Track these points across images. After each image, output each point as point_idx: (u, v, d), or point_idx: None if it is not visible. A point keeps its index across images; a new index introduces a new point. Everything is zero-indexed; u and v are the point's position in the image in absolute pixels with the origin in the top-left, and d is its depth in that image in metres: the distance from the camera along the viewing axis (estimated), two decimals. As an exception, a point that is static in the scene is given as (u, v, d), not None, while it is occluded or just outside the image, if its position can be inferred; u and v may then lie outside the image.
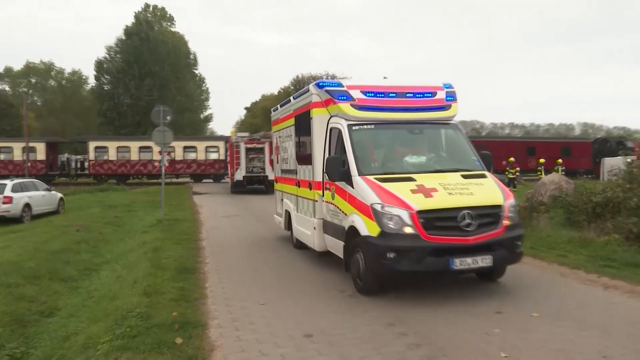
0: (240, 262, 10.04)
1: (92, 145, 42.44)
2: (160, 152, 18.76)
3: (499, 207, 7.24)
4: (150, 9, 68.25)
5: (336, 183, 8.09)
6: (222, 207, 22.24)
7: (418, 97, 8.55)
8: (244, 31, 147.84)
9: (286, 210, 11.72)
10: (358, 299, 7.21)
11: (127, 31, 64.51)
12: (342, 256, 8.10)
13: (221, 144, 43.02)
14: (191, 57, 69.72)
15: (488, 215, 7.10)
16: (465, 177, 7.70)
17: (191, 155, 43.16)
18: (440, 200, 7.01)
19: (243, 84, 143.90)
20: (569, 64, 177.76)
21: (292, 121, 10.84)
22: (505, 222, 7.17)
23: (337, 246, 8.35)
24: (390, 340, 5.60)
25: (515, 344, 5.38)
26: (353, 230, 7.45)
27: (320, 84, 8.88)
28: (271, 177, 29.58)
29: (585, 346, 5.33)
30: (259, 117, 67.11)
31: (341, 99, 8.32)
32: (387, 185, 7.27)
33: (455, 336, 5.66)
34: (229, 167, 34.26)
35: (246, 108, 79.85)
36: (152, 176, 41.94)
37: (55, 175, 43.90)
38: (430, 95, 8.64)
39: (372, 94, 8.39)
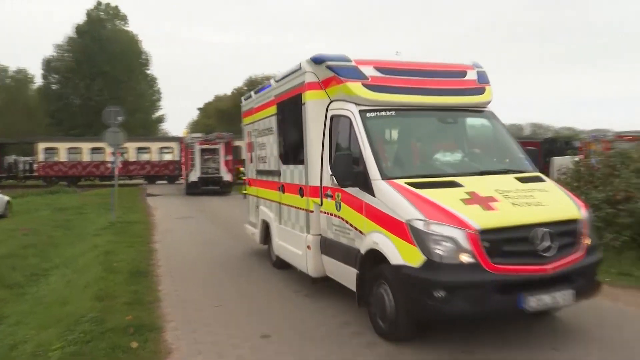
0: (194, 264, 9.89)
1: (41, 146, 41.10)
2: (113, 153, 18.38)
3: (576, 222, 5.51)
4: (103, 6, 66.55)
5: (344, 189, 6.19)
6: (176, 208, 21.91)
7: (445, 78, 6.74)
8: (198, 31, 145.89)
9: (263, 220, 9.64)
10: (313, 299, 7.22)
11: (79, 29, 62.76)
12: (352, 287, 6.14)
13: (175, 145, 42.35)
14: (143, 57, 68.37)
15: (567, 233, 5.37)
16: (521, 180, 5.98)
17: (145, 157, 42.37)
18: (508, 215, 5.20)
19: (196, 85, 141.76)
20: (519, 65, 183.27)
21: (273, 110, 8.76)
22: (586, 243, 5.49)
23: (344, 274, 6.40)
24: (347, 339, 5.63)
25: (472, 342, 5.49)
26: (375, 255, 5.56)
27: (319, 58, 6.76)
28: (226, 178, 29.60)
29: (537, 340, 5.52)
30: (212, 118, 66.40)
31: (349, 77, 6.36)
32: (427, 193, 5.36)
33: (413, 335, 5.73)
34: (182, 169, 33.83)
35: (199, 109, 78.80)
36: (104, 178, 40.90)
37: (2, 178, 42.33)
38: (459, 75, 6.85)
39: (390, 72, 6.48)
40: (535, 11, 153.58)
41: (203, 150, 29.75)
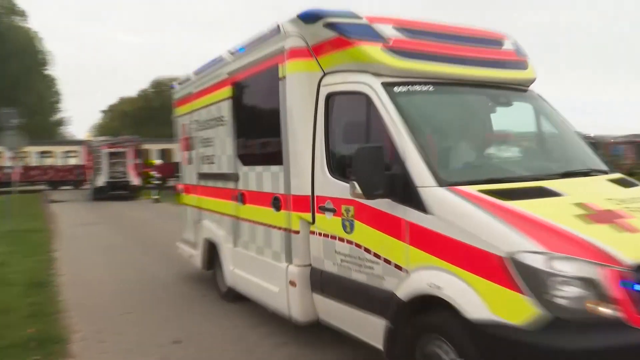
0: (101, 272, 9.55)
1: None
2: (9, 158, 17.42)
3: None
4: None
5: (362, 201, 4.16)
6: (81, 215, 20.98)
7: (481, 45, 5.02)
8: (103, 30, 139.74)
9: (207, 239, 7.62)
10: (221, 302, 7.17)
11: (-31, 24, 58.39)
12: (372, 342, 4.31)
13: (81, 149, 40.52)
14: (40, 55, 64.62)
15: None
16: (620, 184, 4.45)
17: (48, 161, 40.22)
18: None
19: (102, 86, 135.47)
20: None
21: (226, 92, 6.67)
22: None
23: (359, 323, 4.48)
24: (257, 341, 5.67)
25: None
26: (427, 300, 3.67)
27: (312, 14, 4.90)
28: (134, 182, 28.75)
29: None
30: (117, 121, 64.13)
31: (363, 38, 4.51)
32: (526, 207, 3.56)
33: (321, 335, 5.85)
34: (87, 173, 32.58)
35: (103, 111, 75.62)
36: (2, 184, 38.32)
37: None
38: (496, 44, 5.19)
39: (416, 33, 4.70)
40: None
41: (110, 154, 28.85)
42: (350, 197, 4.23)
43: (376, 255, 4.21)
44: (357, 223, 4.41)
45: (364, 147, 3.93)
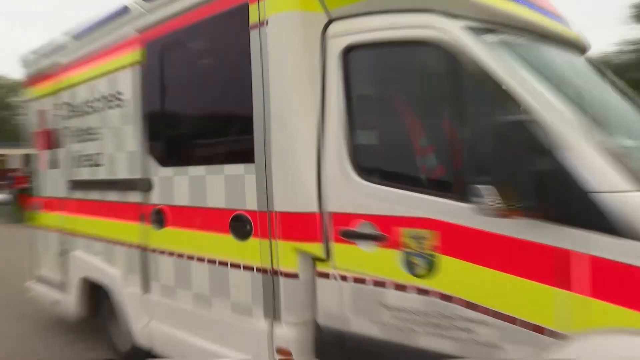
0: None
1: None
2: None
3: None
4: None
5: (461, 222, 2.46)
6: None
7: None
8: None
9: (87, 280, 5.17)
10: (37, 319, 6.52)
11: None
12: None
13: None
14: None
15: None
16: None
17: None
18: None
19: None
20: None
21: (127, 59, 4.43)
22: None
23: None
24: (78, 355, 5.29)
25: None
26: None
27: None
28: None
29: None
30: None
31: None
32: None
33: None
34: None
35: None
36: None
37: None
38: None
39: None
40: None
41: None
42: (420, 215, 2.63)
43: (496, 315, 2.42)
44: (445, 260, 2.59)
45: (511, 124, 2.20)
